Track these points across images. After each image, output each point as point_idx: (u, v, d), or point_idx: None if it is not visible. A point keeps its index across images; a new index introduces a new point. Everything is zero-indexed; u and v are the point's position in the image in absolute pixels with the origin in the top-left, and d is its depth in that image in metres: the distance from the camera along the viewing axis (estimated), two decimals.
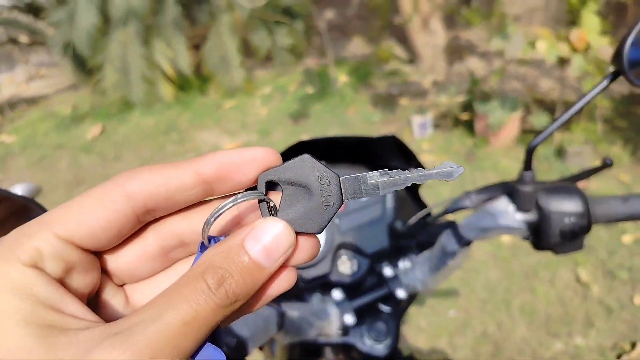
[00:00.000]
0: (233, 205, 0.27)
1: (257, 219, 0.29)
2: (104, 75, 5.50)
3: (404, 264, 0.86)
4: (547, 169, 3.34)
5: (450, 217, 0.90)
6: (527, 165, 0.73)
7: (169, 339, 0.23)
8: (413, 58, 5.32)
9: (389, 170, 0.30)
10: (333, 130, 4.31)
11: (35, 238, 0.25)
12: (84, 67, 5.77)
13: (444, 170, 0.30)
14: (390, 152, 0.90)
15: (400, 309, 0.82)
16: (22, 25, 6.39)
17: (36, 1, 6.26)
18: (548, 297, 2.44)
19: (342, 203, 0.29)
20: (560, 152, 3.39)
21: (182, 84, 5.74)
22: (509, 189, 0.78)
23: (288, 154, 0.80)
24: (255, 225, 0.27)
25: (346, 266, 0.83)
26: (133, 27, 5.15)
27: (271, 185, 0.30)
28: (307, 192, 0.29)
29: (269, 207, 0.29)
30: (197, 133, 4.82)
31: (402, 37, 5.52)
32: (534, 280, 2.53)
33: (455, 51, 5.44)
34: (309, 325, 0.71)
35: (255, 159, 0.28)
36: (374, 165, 0.93)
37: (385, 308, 0.81)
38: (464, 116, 3.93)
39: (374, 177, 0.30)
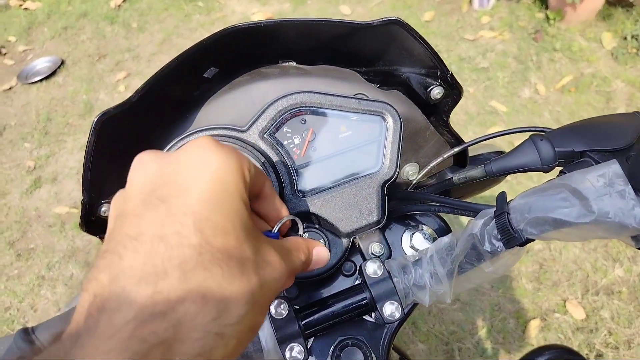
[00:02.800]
0: (287, 219, 0.45)
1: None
2: None
3: (408, 250, 0.54)
4: None
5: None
6: None
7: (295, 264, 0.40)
8: None
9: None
10: None
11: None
12: None
13: None
14: (394, 45, 0.53)
15: (391, 327, 0.52)
16: None
17: None
18: None
19: None
20: None
21: None
22: (619, 147, 0.41)
23: (217, 42, 0.53)
24: (319, 245, 0.45)
25: None
26: None
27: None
28: None
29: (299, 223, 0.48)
30: (225, 0, 4.31)
31: None
32: None
33: None
34: None
35: None
36: (365, 64, 0.58)
37: (367, 323, 0.52)
38: None
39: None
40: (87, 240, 2.50)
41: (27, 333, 0.45)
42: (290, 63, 0.63)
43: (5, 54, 4.34)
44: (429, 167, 0.65)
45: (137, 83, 3.53)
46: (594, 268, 1.91)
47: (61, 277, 2.35)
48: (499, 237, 0.45)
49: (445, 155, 0.64)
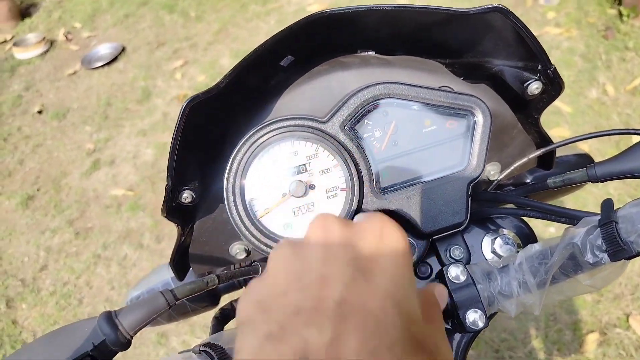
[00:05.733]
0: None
1: None
2: None
3: (489, 255, 0.51)
4: None
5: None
6: None
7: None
8: None
9: None
10: None
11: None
12: None
13: None
14: (490, 35, 0.50)
15: (468, 334, 0.49)
16: None
17: None
18: None
19: None
20: None
21: None
22: None
23: (302, 29, 0.50)
24: (438, 285, 0.44)
25: None
26: None
27: None
28: None
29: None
30: None
31: None
32: None
33: None
34: None
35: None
36: (450, 55, 0.54)
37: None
38: None
39: None
40: (141, 223, 2.57)
41: (110, 317, 0.45)
42: (370, 53, 0.61)
43: (70, 40, 4.53)
44: (512, 168, 0.61)
45: (194, 71, 3.60)
46: None
47: (115, 257, 2.44)
48: (604, 248, 0.41)
49: (531, 156, 0.60)
